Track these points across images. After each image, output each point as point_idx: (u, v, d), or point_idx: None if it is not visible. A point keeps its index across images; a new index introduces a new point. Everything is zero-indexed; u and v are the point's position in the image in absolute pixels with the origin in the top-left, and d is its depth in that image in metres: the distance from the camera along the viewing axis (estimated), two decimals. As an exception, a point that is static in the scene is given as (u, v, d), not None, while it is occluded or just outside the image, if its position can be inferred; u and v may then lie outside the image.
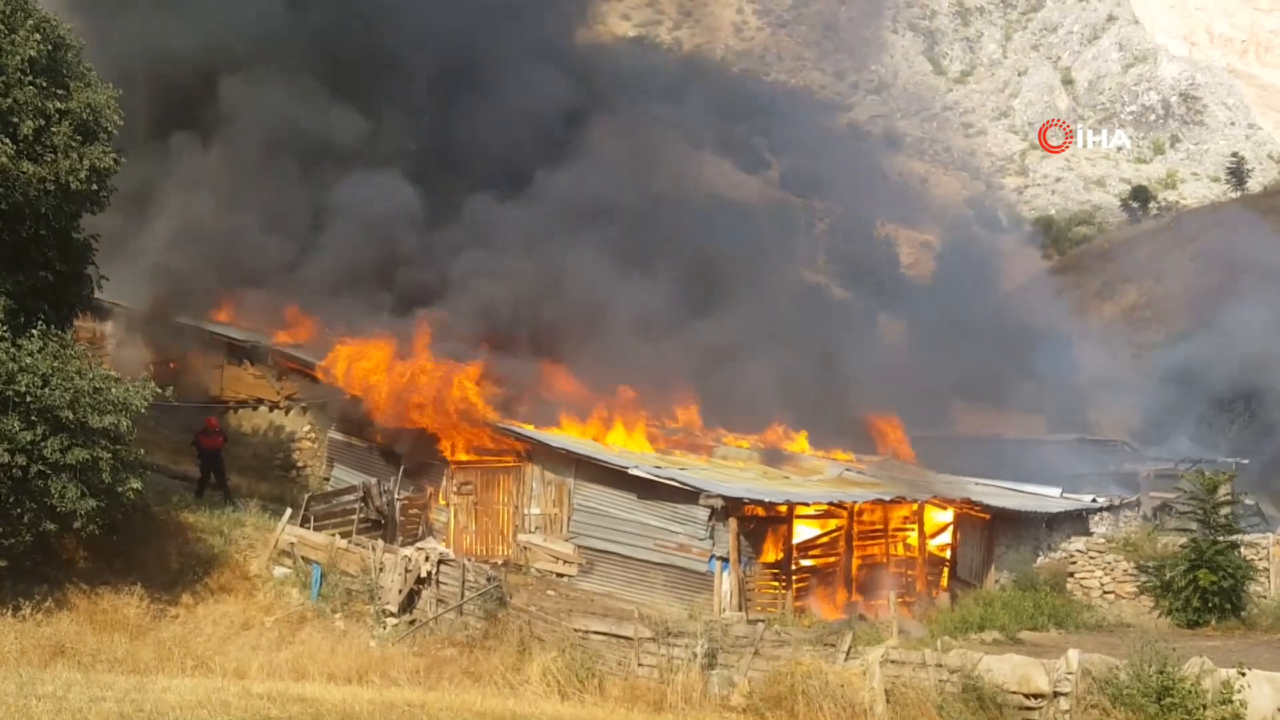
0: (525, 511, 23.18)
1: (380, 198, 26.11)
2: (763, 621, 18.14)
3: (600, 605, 20.27)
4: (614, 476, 22.11)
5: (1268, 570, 21.55)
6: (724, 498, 20.67)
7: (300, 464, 26.04)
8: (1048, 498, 29.01)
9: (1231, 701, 13.97)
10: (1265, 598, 21.11)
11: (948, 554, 25.04)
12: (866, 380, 30.27)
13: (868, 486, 25.18)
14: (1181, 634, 19.69)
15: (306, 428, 26.17)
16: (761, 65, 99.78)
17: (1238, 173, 77.35)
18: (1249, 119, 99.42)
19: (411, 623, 18.68)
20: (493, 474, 23.73)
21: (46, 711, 10.54)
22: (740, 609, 20.32)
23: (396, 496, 23.25)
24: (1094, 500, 29.59)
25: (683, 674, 16.35)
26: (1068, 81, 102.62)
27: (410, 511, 23.58)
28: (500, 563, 22.18)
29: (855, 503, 23.07)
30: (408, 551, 19.67)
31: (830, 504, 22.77)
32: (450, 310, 24.82)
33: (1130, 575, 22.22)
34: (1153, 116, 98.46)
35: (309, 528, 20.76)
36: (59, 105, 16.99)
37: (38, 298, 17.45)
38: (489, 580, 19.41)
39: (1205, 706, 14.02)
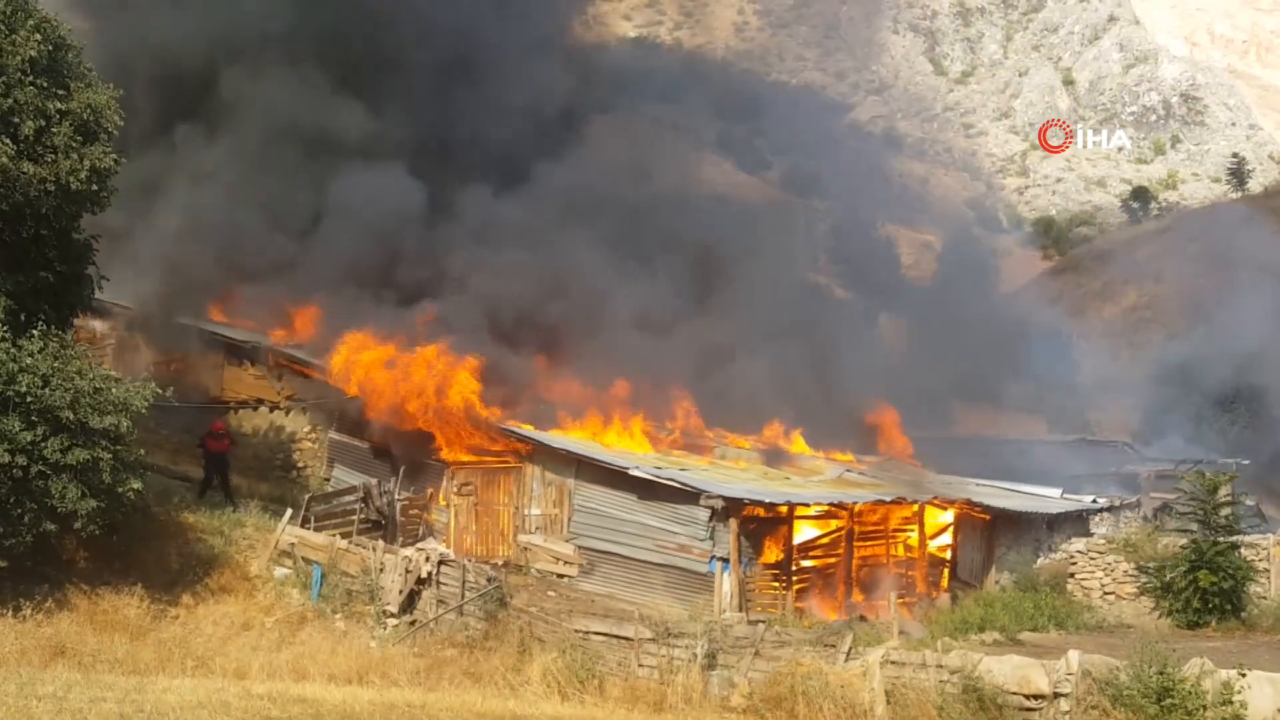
0: (526, 512, 23.17)
1: (383, 193, 26.06)
2: (763, 622, 18.15)
3: (601, 606, 20.27)
4: (614, 477, 22.10)
5: (1268, 571, 21.53)
6: (724, 498, 20.66)
7: (301, 464, 26.02)
8: (1048, 498, 29.01)
9: (1232, 702, 13.98)
10: (1265, 599, 21.10)
11: (948, 555, 25.04)
12: (867, 380, 30.27)
13: (868, 487, 25.19)
14: (1182, 635, 19.68)
15: (307, 428, 26.16)
16: (762, 66, 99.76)
17: (1238, 173, 77.38)
18: (1250, 119, 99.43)
19: (412, 623, 18.68)
20: (493, 474, 23.72)
21: (47, 712, 10.54)
22: (741, 610, 20.32)
23: (397, 497, 23.22)
24: (1094, 501, 29.60)
25: (683, 675, 16.37)
26: (1068, 82, 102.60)
27: (410, 512, 23.56)
28: (501, 563, 22.17)
29: (856, 503, 23.07)
30: (408, 552, 19.66)
31: (831, 505, 22.77)
32: (449, 307, 24.80)
33: (1130, 576, 22.20)
34: (1153, 117, 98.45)
35: (309, 528, 20.76)
36: (59, 105, 16.99)
37: (38, 298, 17.46)
38: (489, 581, 19.41)
39: (1205, 707, 14.03)
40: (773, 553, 21.69)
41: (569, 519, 22.68)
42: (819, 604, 21.83)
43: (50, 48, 17.16)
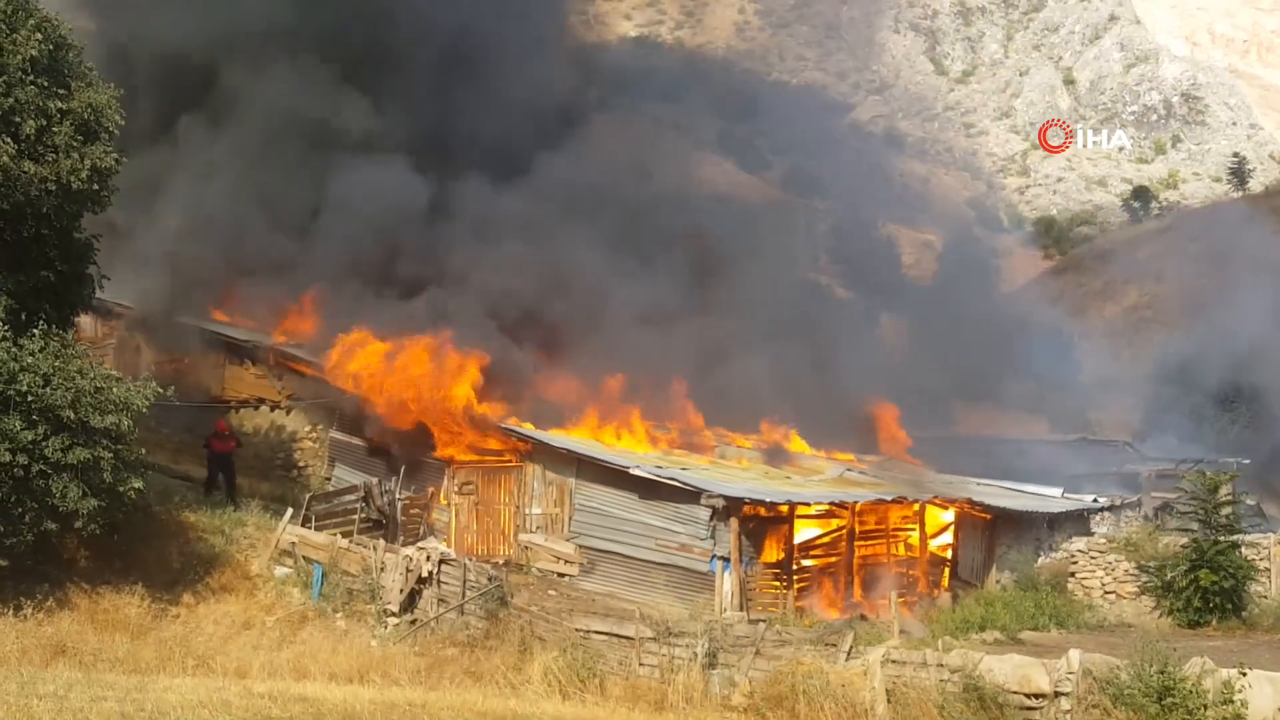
0: (526, 511, 23.17)
1: (384, 188, 26.04)
2: (764, 621, 18.15)
3: (601, 605, 20.27)
4: (615, 476, 22.09)
5: (1269, 570, 21.54)
6: (725, 498, 20.66)
7: (301, 464, 26.03)
8: (1049, 498, 29.03)
9: (1232, 702, 13.96)
10: (1266, 598, 21.11)
11: (949, 554, 25.04)
12: (867, 380, 30.27)
13: (869, 486, 25.19)
14: (1182, 634, 19.69)
15: (308, 427, 26.16)
16: (763, 65, 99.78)
17: (1239, 173, 77.35)
18: (1250, 119, 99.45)
19: (413, 622, 18.68)
20: (494, 473, 23.72)
21: (48, 711, 10.54)
22: (741, 609, 20.33)
23: (398, 496, 23.23)
24: (1095, 500, 29.62)
25: (684, 674, 16.35)
26: (1069, 81, 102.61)
27: (411, 511, 23.57)
28: (501, 562, 22.18)
29: (856, 503, 23.08)
30: (409, 551, 19.65)
31: (831, 504, 22.78)
32: (450, 303, 24.78)
33: (1131, 575, 22.22)
34: (1154, 116, 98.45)
35: (310, 527, 20.76)
36: (60, 105, 16.97)
37: (39, 297, 17.45)
38: (490, 580, 19.42)
39: (1206, 706, 14.01)
40: (773, 552, 21.69)
41: (570, 518, 22.68)
42: (820, 603, 21.83)
43: (51, 47, 17.14)
